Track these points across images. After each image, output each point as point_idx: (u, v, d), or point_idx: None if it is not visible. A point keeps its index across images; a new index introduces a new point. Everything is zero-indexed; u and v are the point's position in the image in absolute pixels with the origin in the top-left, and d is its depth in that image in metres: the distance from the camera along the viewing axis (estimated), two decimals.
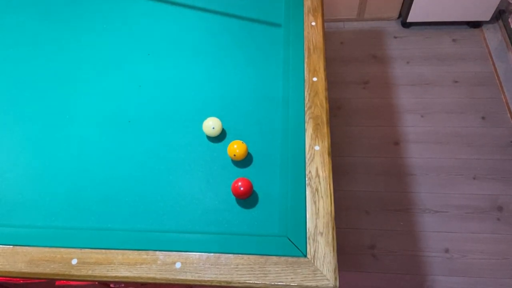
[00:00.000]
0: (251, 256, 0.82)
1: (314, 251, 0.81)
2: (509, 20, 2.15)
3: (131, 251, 0.84)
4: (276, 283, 0.78)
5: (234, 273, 0.80)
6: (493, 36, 2.27)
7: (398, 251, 1.69)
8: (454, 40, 2.30)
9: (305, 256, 0.80)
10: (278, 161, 0.97)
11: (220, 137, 1.03)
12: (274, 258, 0.81)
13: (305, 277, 0.78)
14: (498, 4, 2.13)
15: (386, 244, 1.71)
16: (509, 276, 1.61)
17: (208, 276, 0.80)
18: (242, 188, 0.88)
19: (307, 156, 0.93)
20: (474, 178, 1.84)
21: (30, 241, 0.88)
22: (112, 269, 0.82)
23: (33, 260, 0.85)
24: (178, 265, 0.82)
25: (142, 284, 0.88)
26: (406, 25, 2.36)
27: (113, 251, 0.85)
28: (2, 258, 0.86)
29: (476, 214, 1.75)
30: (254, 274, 0.79)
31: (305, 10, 1.21)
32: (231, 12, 1.29)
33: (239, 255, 0.82)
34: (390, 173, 1.89)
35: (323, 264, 0.79)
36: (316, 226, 0.84)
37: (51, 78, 1.18)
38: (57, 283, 1.01)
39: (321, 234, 0.83)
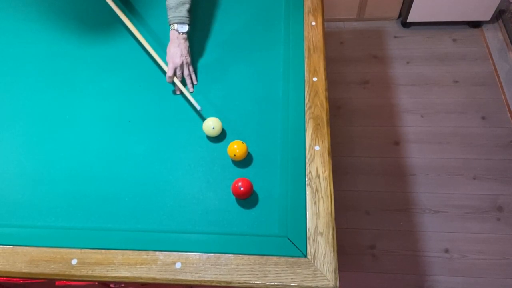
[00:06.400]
0: (251, 256, 0.81)
1: (314, 251, 0.81)
2: None
3: (131, 251, 0.84)
4: (276, 283, 0.78)
5: (234, 273, 0.80)
6: (493, 36, 2.27)
7: (398, 251, 1.69)
8: (454, 40, 2.30)
9: (305, 256, 0.80)
10: (278, 161, 0.97)
11: (220, 137, 1.03)
12: (274, 258, 0.81)
13: (305, 277, 0.78)
14: (498, 4, 2.13)
15: (386, 244, 1.71)
16: (509, 276, 1.61)
17: (208, 276, 0.80)
18: (242, 188, 0.88)
19: (307, 156, 0.93)
20: (474, 178, 1.84)
21: (30, 241, 0.88)
22: (112, 269, 0.82)
23: (33, 260, 0.85)
24: (178, 265, 0.82)
25: (142, 284, 0.88)
26: (406, 25, 2.36)
27: (113, 251, 0.85)
28: (2, 258, 0.86)
29: (476, 214, 1.75)
30: (254, 274, 0.79)
31: (305, 10, 1.21)
32: (231, 12, 1.29)
33: (239, 255, 0.82)
34: (390, 173, 1.89)
35: (323, 264, 0.79)
36: (316, 226, 0.84)
37: (51, 77, 1.17)
38: (57, 283, 1.01)
39: (321, 234, 0.83)
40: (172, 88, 1.13)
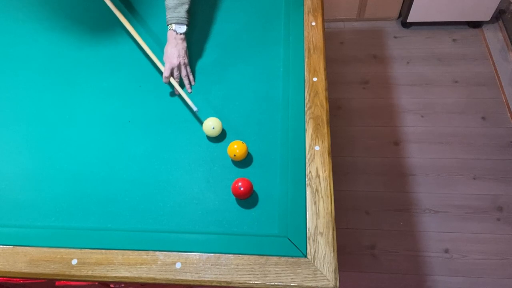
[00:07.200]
0: (251, 257, 0.82)
1: (314, 251, 0.81)
2: None
3: (131, 251, 0.84)
4: (276, 283, 0.78)
5: (234, 274, 0.80)
6: (493, 36, 2.27)
7: (398, 251, 1.69)
8: (454, 40, 2.30)
9: (305, 256, 0.80)
10: (278, 161, 0.97)
11: (220, 137, 1.03)
12: (274, 258, 0.81)
13: (305, 277, 0.78)
14: (498, 4, 2.13)
15: (386, 244, 1.71)
16: (509, 276, 1.61)
17: (208, 276, 0.80)
18: (242, 188, 0.88)
19: (307, 156, 0.93)
20: (474, 178, 1.84)
21: (30, 241, 0.88)
22: (112, 270, 0.82)
23: (33, 260, 0.85)
24: (178, 265, 0.82)
25: (142, 284, 0.88)
26: (406, 25, 2.36)
27: (113, 251, 0.85)
28: (2, 258, 0.86)
29: (476, 214, 1.75)
30: (254, 274, 0.79)
31: (305, 10, 1.21)
32: (231, 12, 1.29)
33: (239, 255, 0.82)
34: (390, 173, 1.89)
35: (323, 264, 0.79)
36: (316, 226, 0.84)
37: (51, 77, 1.17)
38: (57, 283, 1.01)
39: (321, 234, 0.83)
40: (172, 88, 1.13)
